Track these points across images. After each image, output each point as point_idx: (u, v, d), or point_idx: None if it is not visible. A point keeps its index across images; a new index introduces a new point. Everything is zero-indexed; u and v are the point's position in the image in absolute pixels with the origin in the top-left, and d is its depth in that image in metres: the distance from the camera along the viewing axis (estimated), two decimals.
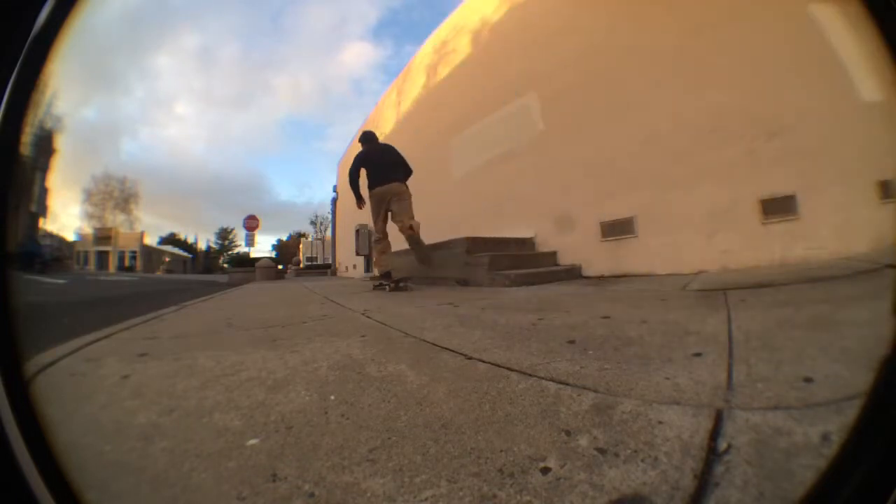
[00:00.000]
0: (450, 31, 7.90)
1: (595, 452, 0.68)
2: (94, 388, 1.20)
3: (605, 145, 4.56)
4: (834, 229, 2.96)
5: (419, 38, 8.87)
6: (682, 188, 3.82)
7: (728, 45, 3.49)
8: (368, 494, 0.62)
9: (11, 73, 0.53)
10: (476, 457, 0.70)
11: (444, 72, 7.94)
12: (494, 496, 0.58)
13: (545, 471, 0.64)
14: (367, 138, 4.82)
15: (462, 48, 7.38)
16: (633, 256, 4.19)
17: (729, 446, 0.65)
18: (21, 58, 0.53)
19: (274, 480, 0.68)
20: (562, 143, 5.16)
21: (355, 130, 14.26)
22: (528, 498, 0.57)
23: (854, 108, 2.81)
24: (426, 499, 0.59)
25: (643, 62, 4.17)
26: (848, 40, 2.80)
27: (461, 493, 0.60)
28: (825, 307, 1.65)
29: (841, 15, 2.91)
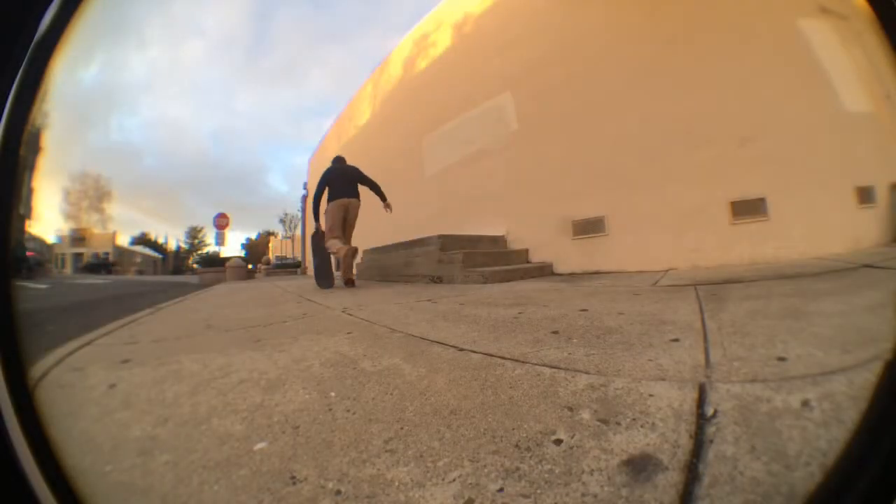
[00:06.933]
0: (429, 26, 7.87)
1: (598, 423, 0.75)
2: (82, 401, 1.13)
3: (578, 145, 4.72)
4: (804, 230, 3.17)
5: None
6: (653, 188, 4.00)
7: (703, 52, 3.68)
8: (396, 483, 0.64)
9: (14, 76, 0.51)
10: (491, 436, 0.74)
11: (420, 68, 7.92)
12: (517, 469, 0.63)
13: (558, 442, 0.69)
14: (337, 160, 5.46)
15: (439, 45, 7.38)
16: (604, 254, 4.37)
17: (716, 411, 0.74)
18: (25, 60, 0.51)
19: (294, 483, 0.66)
20: (535, 143, 5.30)
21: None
22: (549, 466, 0.62)
23: (824, 115, 3.10)
24: (454, 479, 0.63)
25: (618, 65, 4.33)
26: (822, 49, 3.08)
27: (486, 470, 0.64)
28: (795, 300, 1.76)
29: (813, 26, 3.20)
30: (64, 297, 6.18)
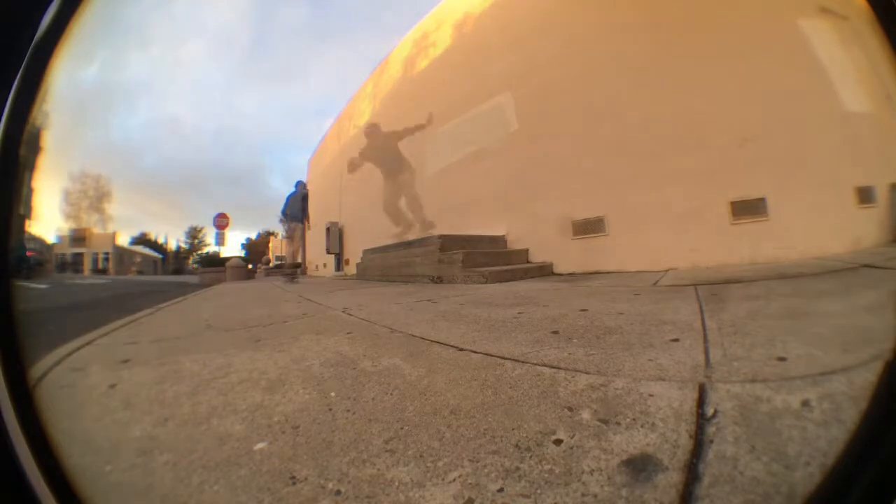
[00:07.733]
0: (430, 26, 7.87)
1: (598, 423, 0.75)
2: (82, 401, 1.13)
3: (578, 145, 4.71)
4: (804, 230, 3.17)
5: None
6: (653, 189, 3.99)
7: (703, 52, 3.68)
8: (396, 483, 0.64)
9: (15, 76, 0.51)
10: (491, 436, 0.74)
11: (420, 68, 7.92)
12: (517, 469, 0.63)
13: (558, 442, 0.69)
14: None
15: (439, 45, 7.39)
16: (604, 254, 4.35)
17: (716, 411, 0.74)
18: (25, 60, 0.51)
19: (294, 483, 0.66)
20: (535, 143, 5.29)
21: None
22: (549, 466, 0.62)
23: (824, 115, 3.08)
24: (454, 479, 0.63)
25: (618, 66, 4.32)
26: (822, 49, 3.08)
27: (486, 470, 0.64)
28: (795, 300, 1.77)
29: (813, 26, 3.20)
30: (64, 297, 6.18)
